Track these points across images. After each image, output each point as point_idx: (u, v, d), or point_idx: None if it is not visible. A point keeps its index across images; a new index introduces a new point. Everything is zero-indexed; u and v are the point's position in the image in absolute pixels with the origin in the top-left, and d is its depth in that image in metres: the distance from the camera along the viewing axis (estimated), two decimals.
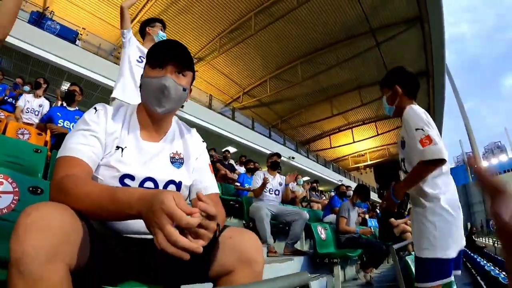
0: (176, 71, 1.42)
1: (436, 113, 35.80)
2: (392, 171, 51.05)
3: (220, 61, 26.37)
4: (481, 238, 35.11)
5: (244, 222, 5.48)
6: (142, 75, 1.47)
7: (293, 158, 24.73)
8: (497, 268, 9.24)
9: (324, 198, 12.24)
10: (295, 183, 11.59)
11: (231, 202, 6.55)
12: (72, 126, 5.13)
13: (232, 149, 19.45)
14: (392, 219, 7.26)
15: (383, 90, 2.47)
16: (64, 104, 5.51)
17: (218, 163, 8.84)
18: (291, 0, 21.32)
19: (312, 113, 35.61)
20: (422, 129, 2.03)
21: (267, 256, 4.42)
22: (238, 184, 7.22)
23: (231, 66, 27.29)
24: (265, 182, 5.22)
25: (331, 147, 43.41)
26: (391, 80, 2.42)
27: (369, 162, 48.42)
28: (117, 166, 1.33)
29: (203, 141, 1.73)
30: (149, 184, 1.39)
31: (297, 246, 5.41)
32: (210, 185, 1.60)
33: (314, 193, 10.50)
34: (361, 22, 23.94)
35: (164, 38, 3.49)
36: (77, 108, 5.47)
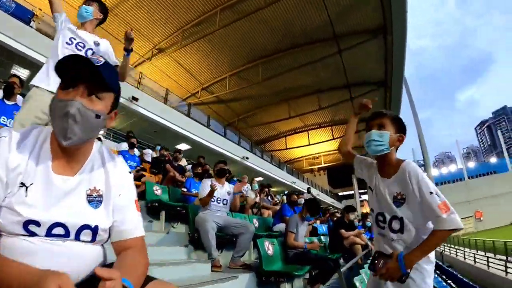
0: (88, 93, 1.13)
1: None
2: (345, 175, 52.50)
3: (181, 54, 25.69)
4: None
5: (189, 233, 5.15)
6: (53, 97, 1.16)
7: (247, 158, 24.46)
8: None
9: (277, 200, 12.09)
10: (247, 188, 11.44)
11: (178, 208, 6.22)
12: (10, 123, 4.65)
13: (185, 147, 19.03)
14: (343, 230, 7.19)
15: (390, 125, 2.13)
16: (1, 97, 4.92)
17: (168, 163, 8.43)
18: (258, 0, 21.13)
19: (270, 113, 35.67)
20: (436, 194, 1.87)
21: (211, 271, 4.14)
22: (185, 190, 6.85)
23: (192, 60, 26.66)
24: (212, 190, 4.91)
25: (286, 148, 43.71)
26: (402, 125, 2.19)
27: (323, 165, 49.27)
28: (19, 209, 1.05)
29: (130, 172, 1.43)
30: (58, 230, 1.11)
31: (245, 256, 5.21)
32: (133, 228, 1.31)
33: (266, 198, 10.27)
34: (326, 28, 24.21)
35: (86, 13, 3.11)
36: (16, 102, 4.93)
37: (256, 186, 9.67)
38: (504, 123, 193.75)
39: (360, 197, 58.15)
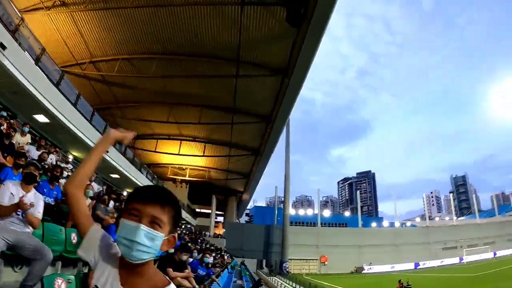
0: None
1: (264, 155, 38.17)
2: (206, 193, 52.73)
3: (83, 17, 22.76)
4: (272, 277, 38.52)
5: None
6: None
7: (107, 151, 22.47)
8: None
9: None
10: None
11: None
12: None
13: (43, 119, 16.85)
14: (170, 270, 6.47)
15: (168, 222, 1.33)
16: None
17: None
18: None
19: (150, 111, 34.21)
20: None
21: None
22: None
23: (92, 28, 23.86)
24: (21, 207, 3.84)
25: (155, 151, 42.22)
26: (178, 220, 1.46)
27: (187, 178, 48.66)
28: None
29: None
30: None
31: None
32: None
33: (102, 205, 8.69)
34: (232, 49, 24.18)
35: None
36: None
37: (91, 193, 8.32)
38: (364, 184, 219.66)
39: (216, 218, 58.88)
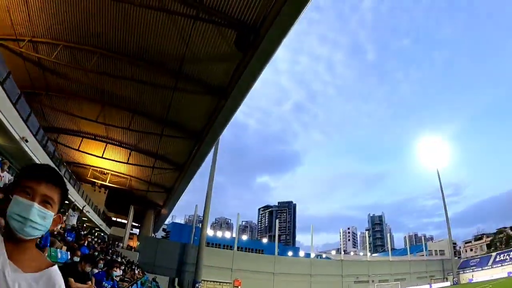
0: None
1: (188, 173, 37.99)
2: (125, 202, 51.12)
3: None
4: None
5: None
6: None
7: (26, 141, 20.86)
8: None
9: None
10: None
11: None
12: None
13: None
14: (71, 280, 6.05)
15: (57, 201, 1.46)
16: None
17: None
18: None
19: (80, 106, 32.51)
20: None
21: None
22: None
23: (41, 5, 22.14)
24: None
25: (77, 149, 40.10)
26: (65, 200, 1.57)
27: (107, 183, 46.82)
28: None
29: None
30: None
31: None
32: None
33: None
34: (176, 60, 24.16)
35: None
36: None
37: (1, 184, 7.79)
38: (284, 214, 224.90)
39: (131, 230, 56.90)
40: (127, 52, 25.00)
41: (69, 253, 9.43)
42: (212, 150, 38.16)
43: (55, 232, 10.39)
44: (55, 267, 1.41)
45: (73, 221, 15.60)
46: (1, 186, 7.86)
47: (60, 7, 22.24)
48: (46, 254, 7.40)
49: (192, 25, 20.90)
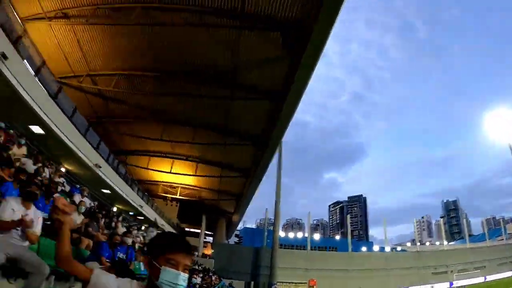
0: None
1: (255, 178, 38.22)
2: (196, 213, 52.34)
3: (84, 30, 23.11)
4: None
5: None
6: None
7: (99, 167, 22.39)
8: None
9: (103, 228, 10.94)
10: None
11: None
12: None
13: (38, 130, 16.93)
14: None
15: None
16: None
17: None
18: (179, 17, 20.64)
19: (144, 128, 34.33)
20: None
21: None
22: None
23: (91, 42, 24.15)
24: (24, 224, 4.08)
25: (147, 168, 42.21)
26: None
27: (178, 196, 48.48)
28: None
29: None
30: None
31: None
32: None
33: (94, 223, 8.90)
34: (228, 72, 24.75)
35: None
36: None
37: (83, 209, 8.58)
38: (355, 208, 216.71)
39: (205, 238, 58.20)
40: (181, 71, 25.91)
41: None
42: (277, 152, 38.12)
43: (136, 248, 10.88)
44: None
45: (153, 235, 16.44)
46: (83, 211, 8.39)
47: (110, 42, 24.23)
48: (131, 268, 7.88)
49: (238, 35, 21.32)
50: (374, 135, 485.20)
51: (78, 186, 15.28)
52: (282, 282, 52.50)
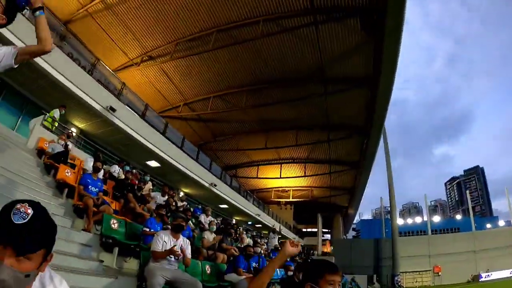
0: (16, 255, 1.10)
1: (365, 168, 37.37)
2: (311, 212, 52.51)
3: (170, 66, 25.47)
4: None
5: (138, 282, 4.90)
6: None
7: (215, 185, 23.95)
8: None
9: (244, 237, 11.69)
10: (205, 221, 11.21)
11: (132, 246, 6.04)
12: None
13: (154, 164, 18.69)
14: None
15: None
16: None
17: (131, 192, 8.13)
18: (255, 30, 21.19)
19: (247, 140, 35.64)
20: None
21: None
22: (147, 229, 6.43)
23: (180, 74, 26.44)
24: (172, 252, 4.77)
25: (257, 177, 43.60)
26: None
27: (291, 199, 49.21)
28: None
29: None
30: None
31: None
32: None
33: (228, 238, 9.72)
34: (317, 69, 24.61)
35: None
36: None
37: (214, 228, 9.30)
38: (473, 182, 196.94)
39: (323, 236, 58.12)
40: (271, 79, 26.60)
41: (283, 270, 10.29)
42: (381, 138, 36.85)
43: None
44: None
45: (275, 242, 17.19)
46: (215, 230, 9.05)
47: (198, 70, 26.16)
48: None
49: (315, 31, 21.26)
50: (479, 97, 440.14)
51: (200, 206, 16.44)
52: (406, 272, 50.29)
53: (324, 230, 58.54)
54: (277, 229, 19.50)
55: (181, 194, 19.79)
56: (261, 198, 44.69)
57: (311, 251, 47.27)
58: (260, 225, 35.54)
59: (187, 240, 5.41)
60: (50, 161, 8.80)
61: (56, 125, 12.88)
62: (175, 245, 4.87)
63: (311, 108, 29.44)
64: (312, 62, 24.06)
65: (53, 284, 1.34)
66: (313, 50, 22.91)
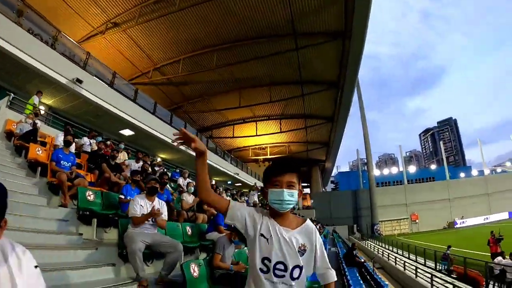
0: None
1: (339, 121, 37.89)
2: None
3: (136, 31, 24.67)
4: (365, 241, 38.04)
5: (119, 250, 5.02)
6: None
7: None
8: None
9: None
10: (183, 183, 11.36)
11: (110, 216, 6.14)
12: None
13: (128, 132, 18.53)
14: None
15: (297, 182, 2.06)
16: None
17: (105, 162, 8.13)
18: None
19: (220, 100, 35.49)
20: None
21: None
22: (122, 197, 6.53)
23: (147, 39, 25.68)
24: (154, 214, 4.91)
25: (233, 137, 43.84)
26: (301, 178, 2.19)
27: (268, 156, 49.71)
28: None
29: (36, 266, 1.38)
30: None
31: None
32: None
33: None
34: (287, 24, 24.40)
35: None
36: None
37: (192, 189, 9.46)
38: (447, 133, 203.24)
39: (303, 190, 59.28)
40: (241, 37, 26.31)
41: None
42: (355, 91, 37.18)
43: None
44: (308, 220, 2.07)
45: (255, 198, 17.82)
46: (192, 191, 9.37)
47: (165, 33, 25.36)
48: None
49: None
50: (454, 52, 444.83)
51: (178, 170, 16.50)
52: (384, 221, 52.31)
53: (303, 184, 59.67)
54: (256, 186, 19.83)
55: (158, 159, 19.76)
56: (239, 157, 45.01)
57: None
58: (239, 184, 35.99)
59: (163, 202, 5.50)
60: (19, 142, 8.65)
61: (42, 113, 12.65)
62: (153, 207, 5.02)
63: (284, 63, 29.40)
64: (281, 17, 23.80)
65: (15, 254, 1.34)
66: (282, 4, 22.57)
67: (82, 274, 3.98)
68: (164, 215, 5.34)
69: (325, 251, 2.06)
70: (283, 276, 1.90)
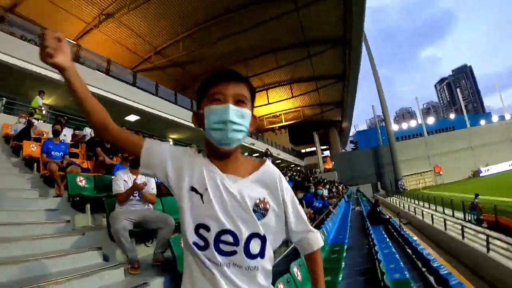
0: None
1: (351, 77, 37.18)
2: (306, 132, 52.90)
3: (130, 18, 24.37)
4: (390, 198, 37.76)
5: (108, 233, 4.89)
6: None
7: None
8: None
9: None
10: None
11: (104, 199, 6.02)
12: None
13: (134, 118, 18.47)
14: None
15: (249, 100, 1.31)
16: None
17: (100, 146, 8.00)
18: None
19: None
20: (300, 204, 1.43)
21: (127, 274, 3.97)
22: (113, 177, 6.37)
23: (142, 23, 25.35)
24: (134, 187, 4.58)
25: None
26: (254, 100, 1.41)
27: (284, 123, 49.55)
28: None
29: None
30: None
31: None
32: None
33: None
34: None
35: None
36: None
37: None
38: (463, 81, 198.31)
39: (322, 154, 59.12)
40: (236, 7, 25.71)
41: None
42: (364, 47, 36.23)
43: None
44: (268, 161, 1.39)
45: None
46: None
47: (158, 14, 24.96)
48: None
49: None
50: None
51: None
52: (408, 176, 51.74)
53: (322, 147, 59.39)
54: (269, 152, 19.68)
55: (170, 141, 19.75)
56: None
57: (313, 170, 48.27)
58: (257, 154, 35.95)
59: (151, 179, 5.11)
60: (15, 142, 8.62)
61: (44, 113, 12.78)
62: (136, 180, 4.72)
63: (285, 27, 28.69)
64: None
65: None
66: None
67: (62, 261, 3.85)
68: (152, 188, 4.97)
69: (300, 207, 1.41)
70: (233, 252, 1.21)
